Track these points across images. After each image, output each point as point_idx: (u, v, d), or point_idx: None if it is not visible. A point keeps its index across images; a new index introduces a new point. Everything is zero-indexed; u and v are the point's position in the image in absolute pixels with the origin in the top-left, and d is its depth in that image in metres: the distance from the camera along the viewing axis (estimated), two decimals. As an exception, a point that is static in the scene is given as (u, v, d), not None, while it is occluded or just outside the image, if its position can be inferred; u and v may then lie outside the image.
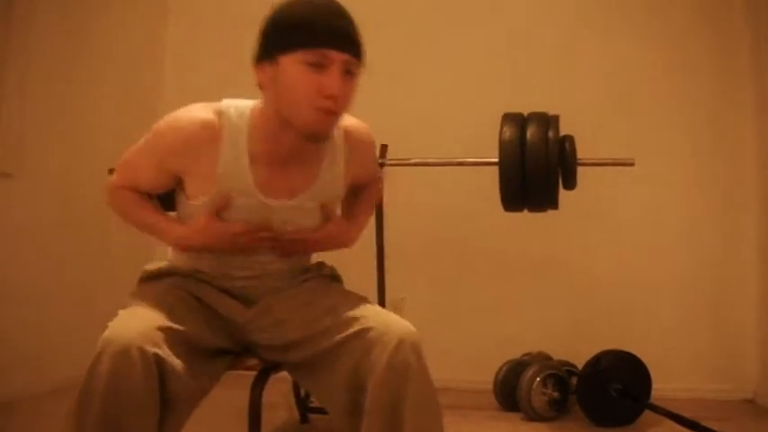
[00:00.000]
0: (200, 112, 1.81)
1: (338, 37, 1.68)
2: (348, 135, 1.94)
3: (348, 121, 1.94)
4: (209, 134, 1.78)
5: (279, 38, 1.70)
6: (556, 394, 3.29)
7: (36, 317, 3.39)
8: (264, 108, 1.80)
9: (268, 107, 1.78)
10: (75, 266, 3.68)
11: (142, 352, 1.54)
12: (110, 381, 1.52)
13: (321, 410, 3.06)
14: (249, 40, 1.78)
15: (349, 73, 1.71)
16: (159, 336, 1.61)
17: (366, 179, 2.10)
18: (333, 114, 1.72)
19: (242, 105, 1.83)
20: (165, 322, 1.66)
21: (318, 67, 1.67)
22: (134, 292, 1.86)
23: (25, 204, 3.43)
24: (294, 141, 1.78)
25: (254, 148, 1.80)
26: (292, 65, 1.68)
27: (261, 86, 1.77)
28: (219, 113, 1.81)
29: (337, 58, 1.67)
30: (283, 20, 1.71)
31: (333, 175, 1.92)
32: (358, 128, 1.97)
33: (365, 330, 1.70)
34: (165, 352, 1.60)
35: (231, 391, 2.16)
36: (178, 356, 1.63)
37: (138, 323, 1.61)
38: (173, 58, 4.43)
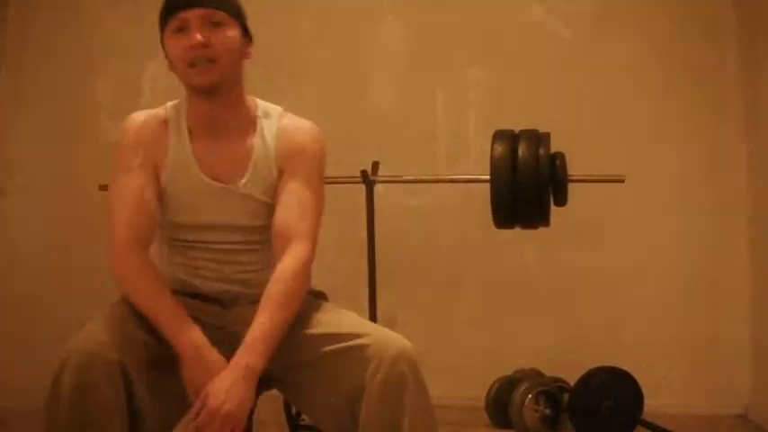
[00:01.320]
0: (146, 111, 1.94)
1: None
2: (283, 121, 1.95)
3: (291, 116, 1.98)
4: (159, 123, 1.90)
5: (159, 24, 1.87)
6: (548, 411, 3.28)
7: (29, 327, 3.38)
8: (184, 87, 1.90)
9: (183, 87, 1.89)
10: (66, 280, 3.66)
11: (105, 360, 1.56)
12: (74, 391, 1.54)
13: (312, 428, 3.05)
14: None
15: (216, 24, 1.80)
16: (122, 345, 1.62)
17: (293, 172, 1.90)
18: (206, 61, 1.78)
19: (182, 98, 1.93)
20: (129, 333, 1.67)
21: (182, 31, 1.79)
22: (105, 307, 1.82)
23: (17, 220, 3.43)
24: (207, 108, 1.86)
25: (191, 119, 1.89)
26: (168, 40, 1.84)
27: (174, 73, 1.89)
28: (163, 108, 1.94)
29: (191, 15, 1.78)
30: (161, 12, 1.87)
31: (266, 161, 1.90)
32: (296, 121, 1.97)
33: (362, 344, 1.69)
34: (130, 361, 1.61)
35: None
36: (143, 370, 1.64)
37: (103, 332, 1.62)
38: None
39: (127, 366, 1.60)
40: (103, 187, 3.51)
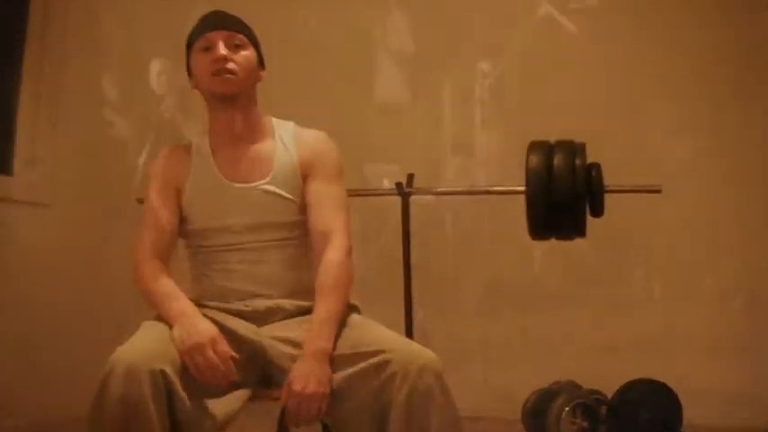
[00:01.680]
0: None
1: (213, 21, 2.04)
2: (298, 131, 2.12)
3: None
4: (183, 145, 2.13)
5: (186, 47, 2.09)
6: (585, 424, 3.26)
7: (69, 341, 3.42)
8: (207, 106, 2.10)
9: (206, 103, 2.09)
10: (108, 295, 3.71)
11: (149, 371, 1.62)
12: (120, 402, 1.59)
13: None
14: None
15: (237, 46, 2.02)
16: (166, 357, 1.70)
17: (320, 176, 2.06)
18: (227, 72, 1.98)
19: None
20: (170, 346, 1.75)
21: (208, 50, 2.01)
22: (146, 322, 1.91)
23: (60, 233, 3.48)
24: (227, 117, 2.04)
25: (213, 138, 2.08)
26: (194, 58, 2.05)
27: (197, 89, 2.09)
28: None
29: (216, 36, 2.01)
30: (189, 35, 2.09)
31: (291, 165, 2.04)
32: (310, 132, 2.13)
33: (387, 359, 1.72)
34: (172, 372, 1.68)
35: (258, 420, 2.17)
36: (183, 381, 1.70)
37: (146, 345, 1.72)
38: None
39: (169, 376, 1.66)
40: (142, 201, 3.58)
